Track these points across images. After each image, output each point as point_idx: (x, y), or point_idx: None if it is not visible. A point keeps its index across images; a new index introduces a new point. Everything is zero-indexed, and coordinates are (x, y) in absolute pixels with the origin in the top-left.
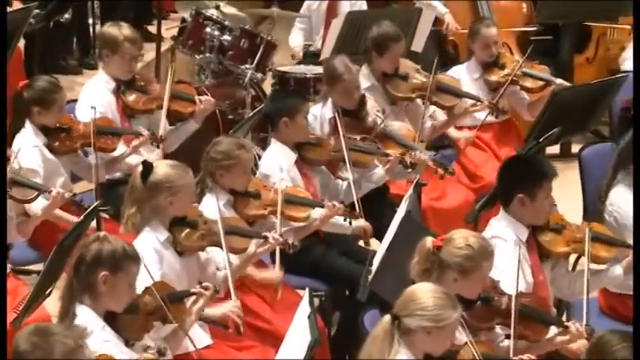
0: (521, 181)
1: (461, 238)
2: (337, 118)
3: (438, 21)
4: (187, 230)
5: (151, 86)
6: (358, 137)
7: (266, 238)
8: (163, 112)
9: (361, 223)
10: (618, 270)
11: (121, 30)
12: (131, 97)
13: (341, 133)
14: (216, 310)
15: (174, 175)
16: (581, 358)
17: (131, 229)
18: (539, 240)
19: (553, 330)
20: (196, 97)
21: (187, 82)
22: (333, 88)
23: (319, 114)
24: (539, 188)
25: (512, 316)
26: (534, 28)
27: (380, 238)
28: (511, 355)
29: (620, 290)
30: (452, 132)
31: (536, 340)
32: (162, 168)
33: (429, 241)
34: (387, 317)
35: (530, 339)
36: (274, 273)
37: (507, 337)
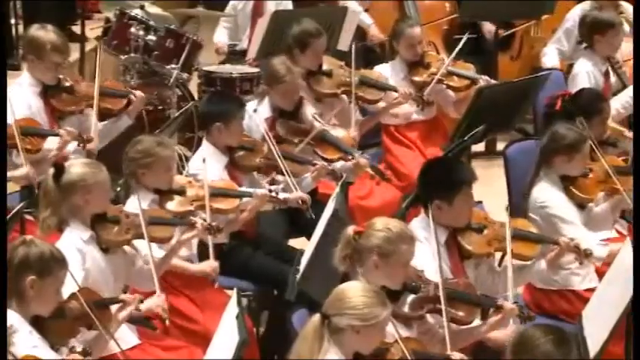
0: (438, 188)
1: (380, 222)
2: (268, 129)
3: (363, 32)
4: (110, 226)
5: (78, 86)
6: (296, 140)
7: (189, 223)
8: (94, 111)
9: (297, 194)
10: (542, 265)
11: (48, 35)
12: (59, 99)
13: (273, 140)
14: (141, 305)
15: (87, 173)
16: (506, 356)
17: (47, 232)
18: (459, 240)
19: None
20: (132, 93)
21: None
22: (273, 89)
23: (254, 113)
24: (456, 194)
25: (442, 300)
26: (454, 15)
27: (308, 236)
28: (447, 342)
29: (545, 285)
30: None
31: (468, 322)
32: (75, 167)
33: (350, 229)
34: (317, 317)
35: (463, 321)
36: (209, 264)
37: (442, 327)
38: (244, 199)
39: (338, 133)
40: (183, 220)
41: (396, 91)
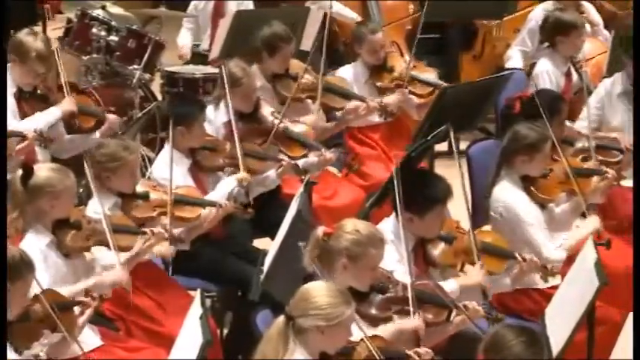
0: (411, 202)
1: (350, 224)
2: (233, 125)
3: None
4: (72, 232)
5: (53, 96)
6: (259, 140)
7: (151, 232)
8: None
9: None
10: (507, 281)
11: (35, 43)
12: (31, 106)
13: (236, 140)
14: (105, 278)
15: (55, 178)
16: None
17: (14, 235)
18: (427, 249)
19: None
20: (107, 116)
21: (87, 92)
22: (230, 92)
23: (213, 117)
24: (428, 211)
25: (410, 301)
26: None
27: (272, 236)
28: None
29: None
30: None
31: (436, 324)
32: (43, 172)
33: (320, 229)
34: (281, 318)
35: (431, 323)
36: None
37: None
38: (207, 208)
39: (300, 128)
40: (145, 230)
41: (360, 100)
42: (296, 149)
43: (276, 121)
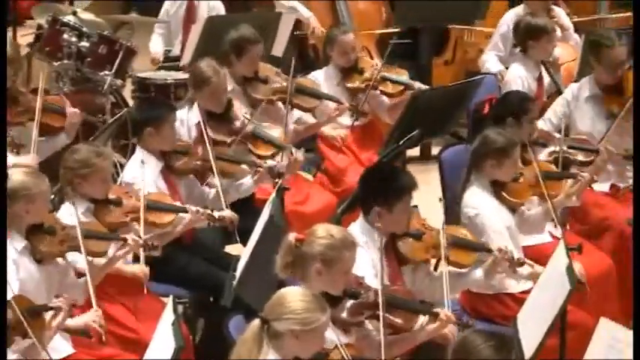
0: (378, 195)
1: (323, 229)
2: (203, 126)
3: (301, 24)
4: (45, 237)
5: (22, 98)
6: (228, 140)
7: (125, 240)
8: (35, 125)
9: (226, 213)
10: (479, 273)
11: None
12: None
13: (207, 143)
14: (77, 320)
15: (30, 182)
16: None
17: None
18: (397, 246)
19: (422, 321)
20: (67, 109)
21: (56, 94)
22: (200, 92)
23: (185, 118)
24: (397, 202)
25: (380, 306)
26: (395, 30)
27: (244, 242)
28: (382, 348)
29: (482, 290)
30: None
31: (406, 329)
32: (18, 176)
33: (291, 236)
34: (257, 321)
35: (401, 328)
36: (141, 267)
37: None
38: (180, 214)
39: (269, 128)
40: (118, 236)
41: (331, 99)
42: (264, 148)
43: (246, 122)
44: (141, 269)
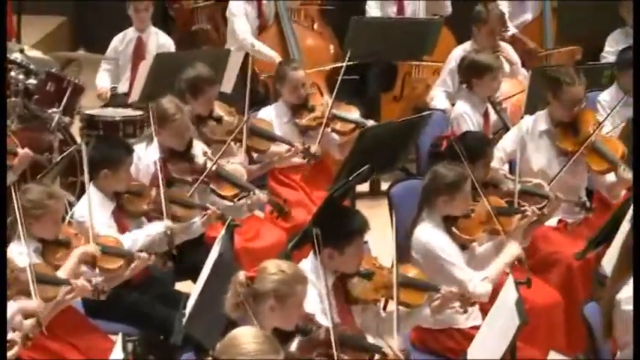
0: (330, 236)
1: (273, 265)
2: (161, 166)
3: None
4: None
5: None
6: (190, 179)
7: (75, 284)
8: None
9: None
10: (426, 311)
11: None
12: None
13: (161, 185)
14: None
15: None
16: None
17: None
18: (347, 286)
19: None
20: (18, 150)
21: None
22: (163, 129)
23: (144, 155)
24: (348, 244)
25: (333, 344)
26: (344, 64)
27: (194, 280)
28: None
29: (431, 325)
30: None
31: None
32: None
33: (241, 274)
34: None
35: None
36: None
37: None
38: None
39: (232, 167)
40: (68, 280)
41: (285, 142)
42: (228, 189)
43: (209, 163)
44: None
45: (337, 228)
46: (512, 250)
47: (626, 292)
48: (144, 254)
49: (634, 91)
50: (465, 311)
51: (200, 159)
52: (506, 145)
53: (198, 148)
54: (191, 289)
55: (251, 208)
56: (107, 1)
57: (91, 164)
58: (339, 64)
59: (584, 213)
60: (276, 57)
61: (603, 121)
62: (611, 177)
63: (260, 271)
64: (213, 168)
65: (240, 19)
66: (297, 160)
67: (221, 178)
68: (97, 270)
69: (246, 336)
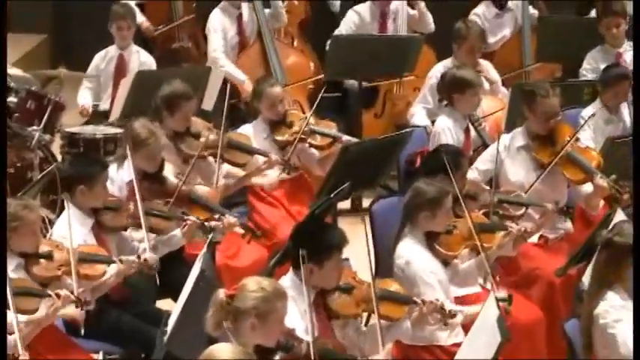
0: (309, 253)
1: (253, 282)
2: (136, 184)
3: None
4: None
5: None
6: (161, 202)
7: (57, 296)
8: None
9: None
10: (407, 324)
11: None
12: None
13: (138, 199)
14: None
15: None
16: None
17: None
18: (327, 301)
19: None
20: None
21: None
22: (136, 153)
23: (116, 176)
24: (327, 259)
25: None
26: (319, 77)
27: (175, 298)
28: None
29: (413, 342)
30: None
31: None
32: None
33: (221, 293)
34: None
35: None
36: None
37: None
38: (111, 265)
39: (203, 190)
40: (50, 293)
41: (263, 155)
42: (200, 212)
43: (180, 183)
44: (77, 312)
45: (316, 242)
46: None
47: (602, 307)
48: (130, 257)
49: (634, 91)
50: (446, 324)
51: (172, 181)
52: (480, 164)
53: (170, 170)
54: (172, 307)
55: (222, 232)
56: (88, 19)
57: (67, 181)
58: (318, 77)
59: (564, 219)
60: (243, 79)
61: (579, 129)
62: (588, 188)
63: (240, 289)
64: (185, 189)
65: (215, 35)
66: (274, 172)
67: (192, 202)
68: (80, 278)
69: (224, 352)
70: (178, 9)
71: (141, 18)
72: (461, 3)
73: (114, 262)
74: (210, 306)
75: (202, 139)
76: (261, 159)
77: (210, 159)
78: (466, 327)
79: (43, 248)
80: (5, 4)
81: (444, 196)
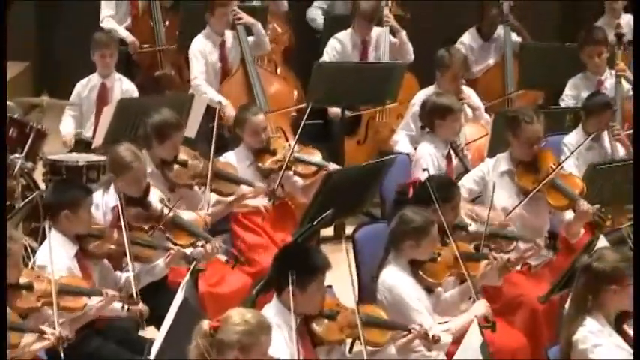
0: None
1: (237, 315)
2: (121, 210)
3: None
4: None
5: None
6: (146, 227)
7: (43, 332)
8: None
9: (138, 306)
10: (391, 350)
11: None
12: None
13: (124, 227)
14: None
15: None
16: None
17: None
18: (311, 327)
19: None
20: None
21: None
22: (120, 177)
23: (101, 202)
24: (309, 282)
25: None
26: (303, 105)
27: (158, 326)
28: None
29: None
30: None
31: None
32: None
33: (205, 324)
34: None
35: None
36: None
37: None
38: (92, 298)
39: (189, 216)
40: (33, 328)
41: (249, 185)
42: (184, 237)
43: (166, 210)
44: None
45: (298, 266)
46: (479, 308)
47: (581, 332)
48: (111, 291)
49: (634, 91)
50: (430, 349)
51: (157, 206)
52: (466, 182)
53: (155, 196)
54: (155, 336)
55: (206, 257)
56: (71, 47)
57: (51, 207)
58: (300, 105)
59: (550, 253)
60: (225, 103)
61: (565, 159)
62: (569, 215)
63: (224, 321)
64: (170, 215)
65: (196, 61)
66: (259, 202)
67: (177, 226)
68: (60, 310)
69: None
70: (161, 34)
71: (125, 32)
72: (443, 31)
73: (95, 294)
74: (194, 336)
75: (190, 168)
76: (247, 189)
77: (196, 188)
78: (450, 354)
79: (24, 279)
80: (5, 5)
81: (430, 225)
